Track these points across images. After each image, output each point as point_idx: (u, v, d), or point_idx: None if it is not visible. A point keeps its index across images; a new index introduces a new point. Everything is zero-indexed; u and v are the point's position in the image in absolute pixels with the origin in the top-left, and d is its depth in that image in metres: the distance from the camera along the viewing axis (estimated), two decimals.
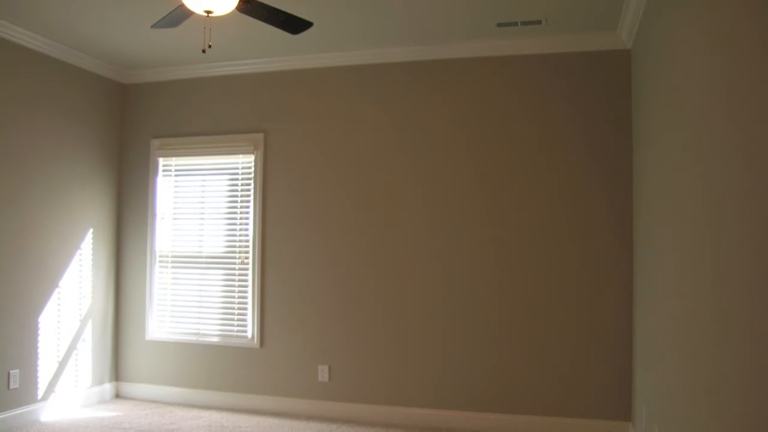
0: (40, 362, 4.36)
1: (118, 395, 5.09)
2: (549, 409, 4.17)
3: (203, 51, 3.50)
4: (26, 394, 4.25)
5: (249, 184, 4.91)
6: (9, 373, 4.11)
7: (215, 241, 4.99)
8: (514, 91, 4.39)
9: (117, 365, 5.11)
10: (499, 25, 4.07)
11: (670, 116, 2.73)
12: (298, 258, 4.74)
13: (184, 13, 3.12)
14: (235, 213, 4.95)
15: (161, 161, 5.13)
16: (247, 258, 4.88)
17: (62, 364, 4.57)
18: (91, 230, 4.88)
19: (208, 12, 2.90)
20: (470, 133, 4.45)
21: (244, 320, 4.86)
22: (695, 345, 2.20)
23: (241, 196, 4.94)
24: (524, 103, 4.36)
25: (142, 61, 4.92)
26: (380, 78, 4.66)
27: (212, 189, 5.03)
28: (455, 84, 4.50)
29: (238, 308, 4.88)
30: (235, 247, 4.93)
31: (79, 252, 4.75)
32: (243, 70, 4.93)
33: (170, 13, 3.14)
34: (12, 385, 4.13)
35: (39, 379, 4.35)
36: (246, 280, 4.87)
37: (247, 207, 4.91)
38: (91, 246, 4.87)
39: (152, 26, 3.37)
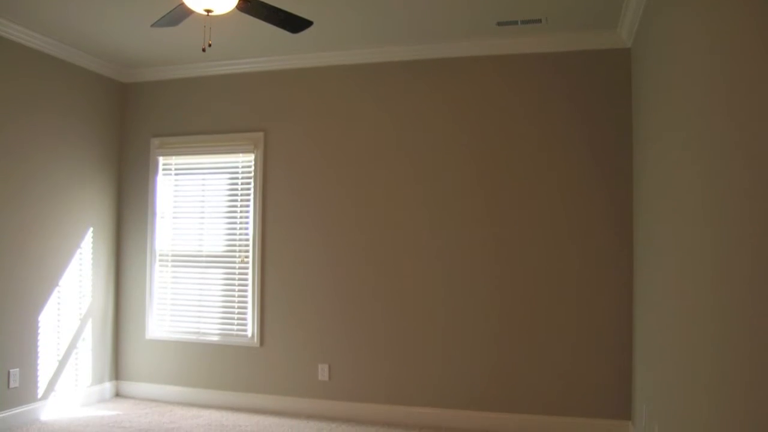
0: (40, 361, 4.36)
1: (118, 394, 5.09)
2: (549, 408, 4.17)
3: (203, 50, 3.49)
4: (26, 393, 4.25)
5: (249, 183, 4.91)
6: (9, 372, 4.11)
7: (215, 240, 4.99)
8: (514, 89, 4.39)
9: (117, 364, 5.12)
10: (499, 24, 4.07)
11: (670, 115, 2.73)
12: (298, 257, 4.75)
13: (184, 12, 3.12)
14: (235, 212, 4.95)
15: (161, 160, 5.13)
16: (247, 257, 4.88)
17: (62, 363, 4.57)
18: (91, 229, 4.88)
19: (208, 11, 2.89)
20: (470, 132, 4.45)
21: (244, 319, 4.86)
22: (695, 343, 2.21)
23: (241, 195, 4.94)
24: (524, 102, 4.36)
25: (142, 59, 4.92)
26: (380, 77, 4.66)
27: (212, 188, 5.03)
28: (455, 83, 4.50)
29: (238, 307, 4.88)
30: (235, 246, 4.93)
31: (79, 251, 4.75)
32: (243, 69, 4.93)
33: (170, 11, 3.14)
34: (12, 384, 4.13)
35: (39, 378, 4.36)
36: (246, 279, 4.87)
37: (247, 206, 4.91)
38: (91, 245, 4.87)
39: (152, 25, 3.37)
